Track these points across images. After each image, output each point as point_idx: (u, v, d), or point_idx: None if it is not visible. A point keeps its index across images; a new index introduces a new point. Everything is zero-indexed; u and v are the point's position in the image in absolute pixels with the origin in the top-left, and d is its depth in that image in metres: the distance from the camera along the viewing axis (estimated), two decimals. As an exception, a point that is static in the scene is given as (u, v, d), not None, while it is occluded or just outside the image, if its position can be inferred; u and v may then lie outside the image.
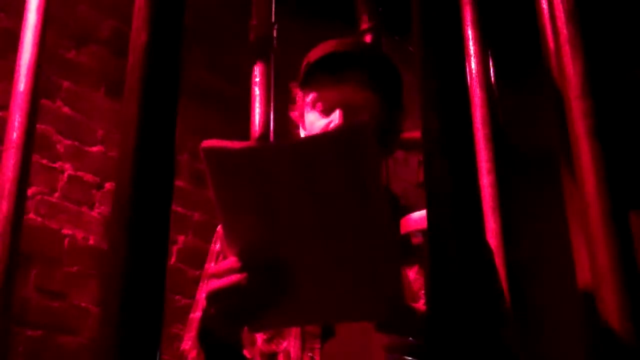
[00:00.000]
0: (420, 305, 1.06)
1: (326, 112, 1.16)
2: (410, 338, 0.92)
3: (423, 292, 1.08)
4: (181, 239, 3.01)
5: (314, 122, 1.17)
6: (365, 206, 0.83)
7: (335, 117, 1.13)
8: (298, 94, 1.23)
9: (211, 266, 1.18)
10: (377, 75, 1.18)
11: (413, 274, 1.10)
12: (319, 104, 1.17)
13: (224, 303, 0.91)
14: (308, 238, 0.86)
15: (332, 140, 0.82)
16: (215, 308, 0.93)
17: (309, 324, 1.04)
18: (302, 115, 1.23)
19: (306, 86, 1.19)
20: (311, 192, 0.83)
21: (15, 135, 1.49)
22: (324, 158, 0.82)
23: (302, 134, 1.25)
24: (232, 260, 0.89)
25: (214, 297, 0.91)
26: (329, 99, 1.16)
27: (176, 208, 2.96)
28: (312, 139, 0.86)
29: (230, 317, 0.93)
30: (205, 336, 1.01)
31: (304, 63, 1.21)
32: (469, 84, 1.69)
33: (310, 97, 1.18)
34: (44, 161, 2.62)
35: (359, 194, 0.82)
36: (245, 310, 0.91)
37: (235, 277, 0.88)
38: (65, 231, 2.63)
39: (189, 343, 1.09)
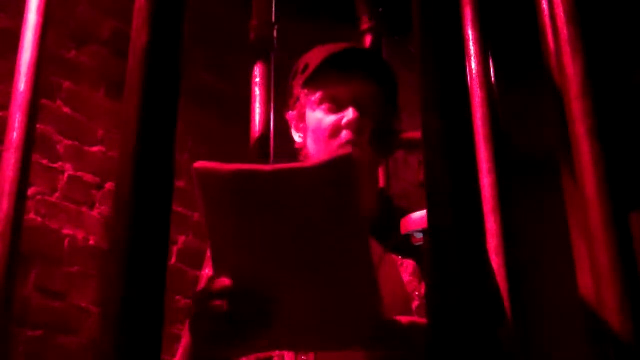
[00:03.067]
0: (414, 305, 1.07)
1: (335, 109, 1.17)
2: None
3: (417, 293, 1.09)
4: (181, 239, 3.01)
5: (321, 119, 1.18)
6: (344, 234, 0.86)
7: (349, 113, 1.15)
8: (300, 93, 1.23)
9: (205, 272, 1.18)
10: (378, 71, 1.22)
11: (407, 276, 1.11)
12: (326, 102, 1.18)
13: (206, 327, 0.89)
14: (291, 263, 0.87)
15: (318, 171, 0.84)
16: (198, 331, 0.92)
17: (293, 350, 1.04)
18: (301, 116, 1.23)
19: (312, 85, 1.20)
20: (295, 218, 0.86)
21: (15, 135, 1.49)
22: (309, 187, 0.84)
23: (296, 135, 1.26)
24: (216, 283, 0.88)
25: (197, 320, 0.91)
26: (338, 96, 1.18)
27: (176, 208, 2.96)
28: (300, 169, 0.88)
29: (212, 341, 0.91)
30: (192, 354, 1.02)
31: (302, 65, 1.23)
32: (469, 84, 1.69)
33: (316, 96, 1.19)
34: (44, 161, 2.62)
35: (339, 222, 0.85)
36: (227, 334, 0.89)
37: (217, 302, 0.87)
38: (65, 231, 2.63)
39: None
